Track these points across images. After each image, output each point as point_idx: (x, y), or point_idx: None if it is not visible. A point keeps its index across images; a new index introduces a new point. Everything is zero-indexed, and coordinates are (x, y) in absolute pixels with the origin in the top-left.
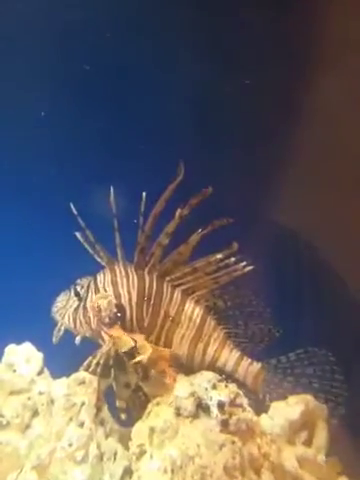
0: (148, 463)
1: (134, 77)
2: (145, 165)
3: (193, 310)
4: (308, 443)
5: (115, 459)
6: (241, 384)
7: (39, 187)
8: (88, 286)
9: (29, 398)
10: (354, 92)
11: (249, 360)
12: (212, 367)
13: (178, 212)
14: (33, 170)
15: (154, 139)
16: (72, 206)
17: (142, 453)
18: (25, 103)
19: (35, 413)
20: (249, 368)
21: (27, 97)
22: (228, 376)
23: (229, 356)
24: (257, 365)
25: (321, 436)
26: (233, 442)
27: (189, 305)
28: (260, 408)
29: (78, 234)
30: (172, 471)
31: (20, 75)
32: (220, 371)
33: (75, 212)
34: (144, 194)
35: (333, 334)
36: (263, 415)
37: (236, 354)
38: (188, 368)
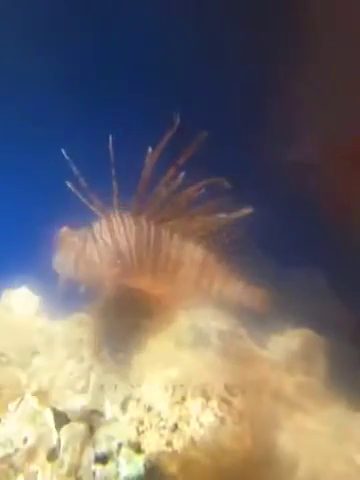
0: (148, 385)
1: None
2: (142, 112)
3: (194, 249)
4: (308, 374)
5: (115, 389)
6: (249, 311)
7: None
8: (85, 236)
9: (28, 336)
10: None
11: (254, 287)
12: (218, 301)
13: (174, 165)
14: (27, 116)
15: (152, 85)
16: (64, 152)
17: (142, 378)
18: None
19: (35, 352)
20: (255, 294)
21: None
22: (235, 306)
23: (234, 287)
24: (263, 290)
25: (320, 366)
26: (233, 364)
27: (190, 245)
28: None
29: (69, 183)
30: (173, 388)
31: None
32: (227, 303)
33: (67, 158)
34: (150, 149)
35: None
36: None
37: (241, 284)
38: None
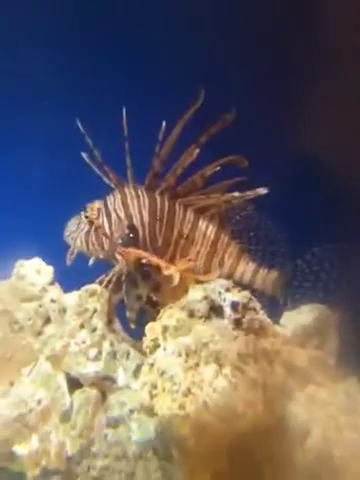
0: (162, 352)
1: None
2: (163, 88)
3: (207, 227)
4: (319, 348)
5: (128, 358)
6: (261, 293)
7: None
8: (98, 209)
9: (41, 305)
10: None
11: (266, 270)
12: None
13: (192, 148)
14: (43, 91)
15: (172, 62)
16: (79, 124)
17: (156, 347)
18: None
19: (47, 321)
20: (267, 277)
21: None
22: (246, 287)
23: (245, 268)
24: (275, 273)
25: (332, 342)
26: (246, 334)
27: (202, 222)
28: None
29: (84, 154)
30: (186, 354)
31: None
32: (238, 284)
33: (83, 131)
34: (164, 123)
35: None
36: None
37: (252, 265)
38: None
